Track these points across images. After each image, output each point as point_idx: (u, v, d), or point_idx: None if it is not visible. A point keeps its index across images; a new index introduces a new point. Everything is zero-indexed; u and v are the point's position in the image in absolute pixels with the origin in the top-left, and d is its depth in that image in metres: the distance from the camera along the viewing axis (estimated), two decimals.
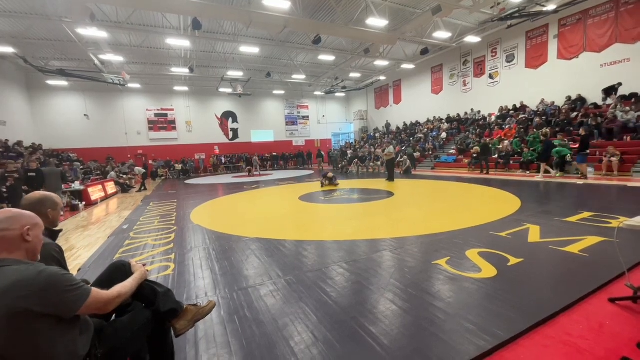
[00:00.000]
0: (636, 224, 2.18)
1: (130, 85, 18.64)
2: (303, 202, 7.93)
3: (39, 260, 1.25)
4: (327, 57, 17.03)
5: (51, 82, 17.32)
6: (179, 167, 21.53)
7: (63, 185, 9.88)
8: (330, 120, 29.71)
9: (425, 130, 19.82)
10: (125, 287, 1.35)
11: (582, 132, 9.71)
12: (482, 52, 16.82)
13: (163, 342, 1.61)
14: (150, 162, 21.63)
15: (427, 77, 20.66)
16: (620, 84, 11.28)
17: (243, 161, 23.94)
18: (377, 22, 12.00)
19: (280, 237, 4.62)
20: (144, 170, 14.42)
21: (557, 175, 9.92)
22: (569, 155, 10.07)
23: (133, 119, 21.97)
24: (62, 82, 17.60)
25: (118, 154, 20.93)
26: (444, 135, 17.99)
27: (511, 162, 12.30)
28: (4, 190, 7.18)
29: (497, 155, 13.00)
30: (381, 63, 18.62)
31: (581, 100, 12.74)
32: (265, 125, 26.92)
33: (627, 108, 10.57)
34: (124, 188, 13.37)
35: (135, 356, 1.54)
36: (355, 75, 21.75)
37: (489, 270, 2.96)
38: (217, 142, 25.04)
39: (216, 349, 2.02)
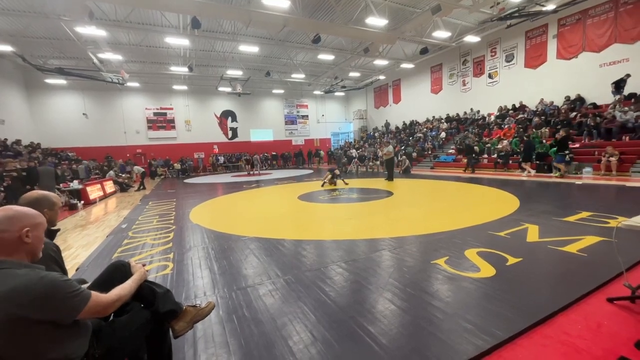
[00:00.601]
0: (635, 223, 2.18)
1: (129, 84, 18.59)
2: (302, 201, 7.93)
3: (40, 258, 1.24)
4: (326, 57, 17.01)
5: (50, 80, 17.26)
6: (177, 166, 21.49)
7: (62, 185, 9.89)
8: (330, 120, 29.70)
9: (425, 129, 19.82)
10: (124, 289, 1.34)
11: (561, 133, 10.32)
12: (481, 51, 16.82)
13: (161, 342, 1.61)
14: (150, 161, 21.59)
15: (426, 76, 20.67)
16: (628, 75, 11.00)
17: (243, 160, 23.90)
18: (376, 21, 11.98)
19: (279, 236, 4.62)
20: (143, 170, 14.36)
21: (556, 175, 9.94)
22: (567, 155, 10.09)
23: (132, 118, 21.92)
24: (61, 81, 17.56)
25: (117, 153, 20.88)
26: (443, 134, 18.00)
27: (510, 161, 12.31)
28: (2, 189, 7.17)
29: (496, 155, 13.01)
30: (380, 62, 18.60)
31: (580, 100, 12.76)
32: (264, 125, 26.89)
33: (626, 108, 10.59)
34: (122, 187, 13.34)
35: (132, 356, 1.54)
36: (354, 74, 21.74)
37: (487, 270, 2.96)
38: (216, 141, 25.01)
39: (214, 348, 2.02)
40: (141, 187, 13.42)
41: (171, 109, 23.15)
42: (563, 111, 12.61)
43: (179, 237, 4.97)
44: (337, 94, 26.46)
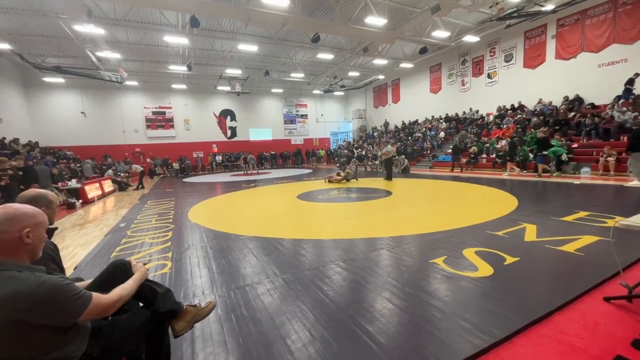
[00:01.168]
0: (632, 223, 2.19)
1: (127, 82, 18.51)
2: (301, 200, 7.93)
3: (40, 257, 1.23)
4: (325, 56, 17.00)
5: (48, 79, 17.19)
6: (176, 165, 21.43)
7: (60, 183, 9.85)
8: (329, 119, 29.69)
9: (424, 129, 19.84)
10: (125, 289, 1.34)
11: (540, 134, 10.79)
12: (480, 51, 16.84)
13: (160, 342, 1.61)
14: (148, 160, 21.54)
15: (425, 76, 20.68)
16: (637, 75, 10.86)
17: (242, 159, 23.88)
18: (376, 20, 11.98)
19: (278, 235, 4.62)
20: (142, 168, 14.33)
21: (555, 175, 9.97)
22: (564, 155, 10.12)
23: (130, 117, 21.86)
24: (59, 79, 17.49)
25: (115, 151, 20.80)
26: (442, 134, 18.02)
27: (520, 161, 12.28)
28: None
29: (494, 155, 13.04)
30: (380, 62, 18.60)
31: (578, 100, 12.79)
32: (263, 124, 26.86)
33: (624, 108, 10.62)
34: (121, 186, 13.31)
35: (131, 355, 1.54)
36: (354, 74, 21.73)
37: (485, 269, 2.97)
38: (215, 140, 24.97)
39: (213, 347, 2.02)
40: (140, 186, 13.39)
41: (170, 108, 23.09)
42: (562, 111, 12.64)
43: (177, 236, 4.96)
44: (336, 93, 26.46)
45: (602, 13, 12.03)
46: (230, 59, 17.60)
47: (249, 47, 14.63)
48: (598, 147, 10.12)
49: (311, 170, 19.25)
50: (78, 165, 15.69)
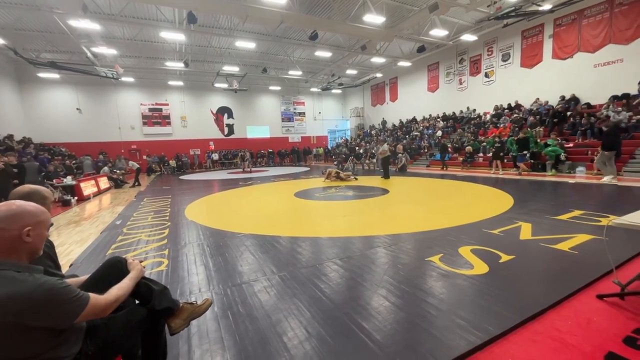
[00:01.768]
0: (624, 221, 2.22)
1: (123, 78, 18.35)
2: (299, 198, 7.93)
3: (39, 255, 1.22)
4: (323, 53, 16.95)
5: (42, 74, 16.99)
6: (173, 163, 21.30)
7: (55, 180, 9.77)
8: (327, 117, 29.67)
9: (421, 128, 19.88)
10: (122, 288, 1.33)
11: (521, 135, 11.18)
12: (478, 50, 16.88)
13: (157, 339, 1.60)
14: (145, 157, 21.39)
15: (423, 74, 20.70)
16: None
17: (239, 157, 23.78)
18: (374, 18, 11.96)
19: (275, 233, 4.62)
20: (138, 166, 14.23)
21: (551, 174, 10.05)
22: (562, 154, 10.21)
23: (127, 114, 21.69)
24: (54, 75, 17.29)
25: (111, 148, 20.67)
26: (439, 133, 18.07)
27: (505, 160, 12.37)
28: None
29: (491, 154, 13.09)
30: (378, 60, 18.59)
31: (574, 100, 12.87)
32: (261, 121, 26.78)
33: (619, 108, 10.71)
34: (117, 183, 13.22)
35: (127, 353, 1.54)
36: (351, 72, 21.70)
37: (480, 267, 3.00)
38: (212, 137, 24.86)
39: (209, 344, 2.02)
40: (136, 184, 13.31)
41: (167, 104, 22.94)
42: (559, 108, 12.69)
43: (174, 233, 4.94)
44: (334, 91, 26.43)
45: (598, 13, 12.09)
46: (227, 55, 17.50)
47: (246, 44, 14.56)
48: (593, 147, 10.19)
49: (308, 169, 19.24)
50: (74, 162, 15.57)
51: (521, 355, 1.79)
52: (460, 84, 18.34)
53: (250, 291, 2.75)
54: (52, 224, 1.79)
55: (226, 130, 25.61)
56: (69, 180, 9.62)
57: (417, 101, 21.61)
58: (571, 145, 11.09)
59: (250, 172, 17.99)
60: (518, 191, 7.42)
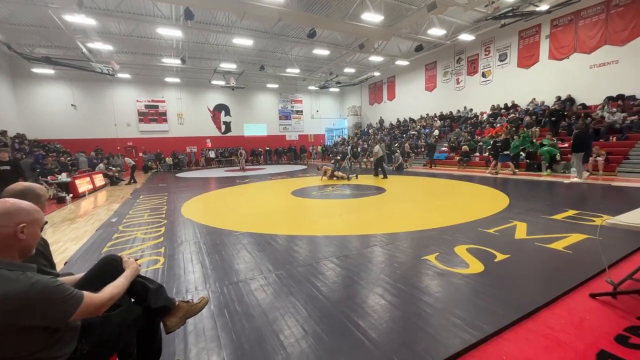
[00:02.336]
0: (617, 222, 2.25)
1: (119, 75, 18.18)
2: (296, 197, 7.93)
3: (32, 254, 1.21)
4: (321, 52, 16.92)
5: (37, 70, 16.77)
6: (169, 160, 21.14)
7: (49, 177, 9.67)
8: (324, 116, 29.64)
9: (418, 127, 19.93)
10: (117, 287, 1.32)
11: (503, 136, 11.35)
12: (475, 50, 16.93)
13: (152, 338, 1.60)
14: (141, 154, 21.24)
15: (420, 74, 20.73)
16: None
17: (238, 155, 23.64)
18: (372, 17, 11.94)
19: (272, 231, 4.62)
20: (134, 162, 14.12)
21: (546, 173, 10.13)
22: (557, 154, 10.29)
23: (122, 110, 21.50)
24: (49, 71, 17.08)
25: (107, 145, 20.51)
26: (436, 132, 18.13)
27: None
28: None
29: (487, 153, 13.17)
30: (376, 59, 18.58)
31: (570, 100, 12.97)
32: (258, 119, 26.69)
33: (614, 109, 10.82)
34: (112, 180, 13.12)
35: (122, 351, 1.53)
36: (349, 70, 21.68)
37: (476, 266, 3.02)
38: (209, 135, 24.74)
39: (205, 342, 2.02)
40: (132, 181, 13.21)
41: (163, 101, 22.78)
42: (557, 109, 12.77)
43: (170, 231, 4.92)
44: (331, 89, 26.39)
45: (595, 14, 12.17)
46: (225, 52, 17.39)
47: (244, 41, 14.46)
48: None
49: (305, 167, 19.22)
50: (69, 158, 15.41)
51: (515, 353, 1.81)
52: (458, 83, 18.40)
53: (246, 289, 2.75)
54: (46, 222, 1.77)
55: (223, 127, 25.50)
56: (63, 177, 9.53)
57: (414, 100, 21.64)
58: (566, 145, 11.17)
59: (244, 170, 17.81)
60: (514, 191, 7.47)
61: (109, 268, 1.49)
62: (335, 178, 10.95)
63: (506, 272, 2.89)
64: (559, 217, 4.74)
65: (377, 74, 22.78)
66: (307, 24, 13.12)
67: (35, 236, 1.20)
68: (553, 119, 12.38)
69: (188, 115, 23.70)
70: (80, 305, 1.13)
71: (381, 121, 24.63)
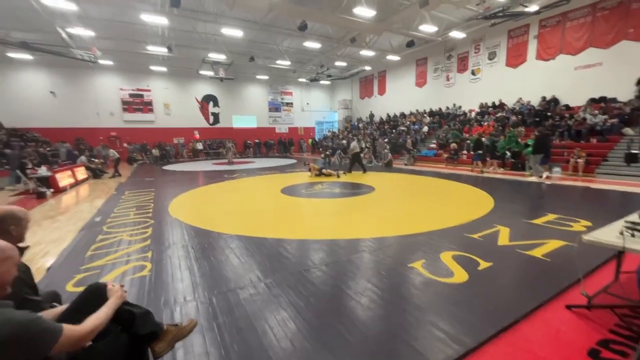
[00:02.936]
0: (594, 239, 2.35)
1: (102, 61, 17.41)
2: (285, 195, 7.91)
3: (8, 292, 1.18)
4: (313, 44, 16.65)
5: (13, 54, 15.88)
6: (156, 152, 20.59)
7: (29, 170, 9.30)
8: (314, 108, 29.41)
9: (408, 123, 20.05)
10: (99, 317, 1.31)
11: (475, 136, 12.10)
12: (465, 47, 17.04)
13: None
14: (125, 145, 20.62)
15: (411, 69, 20.76)
16: None
17: (223, 147, 23.27)
18: (364, 11, 11.79)
19: (261, 234, 4.61)
20: (118, 155, 13.71)
21: (529, 174, 10.43)
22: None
23: (105, 99, 20.73)
24: (26, 56, 16.20)
25: (89, 135, 19.80)
26: (425, 129, 18.31)
27: (487, 159, 12.70)
28: None
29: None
30: (367, 53, 18.42)
31: (554, 101, 13.30)
32: (247, 111, 26.26)
33: (596, 111, 11.16)
34: (95, 173, 12.73)
35: None
36: (340, 64, 21.45)
37: (460, 275, 3.12)
38: (197, 126, 24.21)
39: (194, 359, 2.02)
40: (116, 174, 12.85)
41: (149, 90, 22.06)
42: (540, 110, 13.10)
43: (157, 233, 4.85)
44: (322, 82, 26.12)
45: (582, 16, 12.40)
46: (213, 42, 16.87)
47: (233, 32, 14.06)
48: (569, 148, 10.63)
49: (295, 161, 19.13)
50: (48, 149, 14.83)
51: None
52: (448, 80, 18.54)
53: (235, 300, 2.75)
54: (28, 247, 1.72)
55: (211, 119, 24.99)
56: (44, 171, 9.18)
57: (404, 96, 21.72)
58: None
59: (232, 163, 17.54)
60: (498, 191, 7.66)
61: (94, 297, 1.46)
62: (323, 175, 10.95)
63: (488, 281, 2.99)
64: (539, 221, 4.92)
65: (368, 68, 22.64)
66: (299, 17, 12.86)
67: (9, 275, 1.18)
68: (537, 119, 12.71)
69: (175, 106, 23.08)
70: (59, 338, 1.12)
71: (371, 115, 24.64)
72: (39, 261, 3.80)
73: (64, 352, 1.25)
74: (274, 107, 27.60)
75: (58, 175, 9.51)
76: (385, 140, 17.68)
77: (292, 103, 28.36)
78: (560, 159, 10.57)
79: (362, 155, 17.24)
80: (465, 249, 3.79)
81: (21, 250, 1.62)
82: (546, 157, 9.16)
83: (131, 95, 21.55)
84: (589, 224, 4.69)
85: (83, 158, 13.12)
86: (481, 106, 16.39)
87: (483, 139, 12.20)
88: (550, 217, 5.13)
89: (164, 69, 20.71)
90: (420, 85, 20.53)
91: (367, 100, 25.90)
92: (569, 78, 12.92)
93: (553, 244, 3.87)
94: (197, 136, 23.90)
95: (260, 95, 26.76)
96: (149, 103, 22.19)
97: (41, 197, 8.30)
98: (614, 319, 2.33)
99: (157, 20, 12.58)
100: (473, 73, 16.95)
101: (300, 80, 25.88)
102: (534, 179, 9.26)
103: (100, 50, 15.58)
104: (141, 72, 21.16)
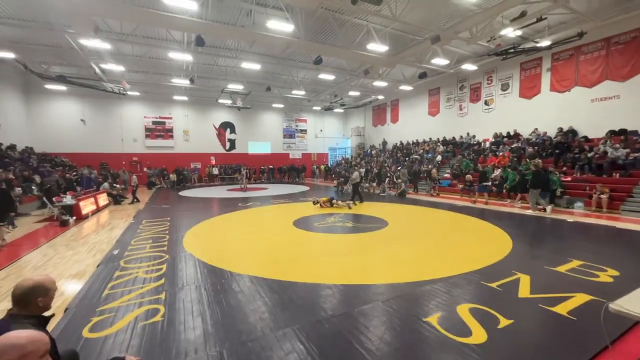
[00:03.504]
0: (621, 309, 2.22)
1: (129, 92, 18.63)
2: (297, 228, 7.92)
3: None
4: (327, 76, 17.29)
5: (49, 86, 17.24)
6: (173, 177, 21.25)
7: (54, 198, 9.75)
8: (328, 135, 29.97)
9: (421, 151, 20.03)
10: None
11: (480, 167, 11.89)
12: (478, 78, 17.25)
13: None
14: (145, 169, 21.44)
15: (424, 98, 21.06)
16: None
17: (238, 173, 23.79)
18: (377, 47, 12.27)
19: (273, 275, 4.60)
20: (137, 182, 14.21)
21: (548, 209, 10.07)
22: (558, 190, 10.28)
23: (130, 126, 21.93)
24: (61, 87, 17.54)
25: (112, 159, 20.79)
26: (439, 157, 18.21)
27: (503, 190, 12.43)
28: None
29: (490, 182, 13.14)
30: (380, 84, 18.94)
31: (572, 132, 13.06)
32: (262, 137, 27.03)
33: (617, 145, 10.85)
34: (116, 199, 13.20)
35: None
36: (354, 93, 22.08)
37: (479, 333, 2.98)
38: (213, 152, 25.02)
39: None
40: (134, 200, 13.28)
41: (170, 118, 23.21)
42: (561, 142, 12.81)
43: (171, 270, 4.92)
44: (336, 110, 26.80)
45: (595, 50, 12.44)
46: (232, 74, 17.83)
47: (252, 66, 14.86)
48: (591, 183, 10.27)
49: (307, 188, 19.27)
50: (74, 174, 15.58)
51: None
52: (461, 109, 18.64)
53: (245, 353, 2.72)
54: (53, 315, 1.78)
55: (228, 145, 25.82)
56: (68, 199, 9.60)
57: (417, 124, 21.90)
58: (569, 179, 11.17)
59: (246, 190, 17.84)
60: (517, 229, 7.42)
61: None
62: (335, 206, 10.93)
63: (508, 343, 2.84)
64: (562, 268, 4.69)
65: (381, 97, 23.16)
66: (314, 52, 13.49)
67: None
68: (557, 151, 12.43)
69: (194, 132, 24.08)
70: None
71: (384, 143, 24.84)
72: (58, 300, 3.90)
73: None
74: (289, 134, 28.31)
75: (81, 203, 9.91)
76: (399, 168, 17.63)
77: (306, 130, 29.05)
78: (582, 193, 10.22)
79: (365, 183, 17.29)
80: (484, 302, 3.64)
81: (46, 320, 1.70)
82: (544, 191, 9.64)
83: (154, 123, 22.71)
84: (616, 273, 4.45)
85: (106, 185, 13.68)
86: (495, 136, 16.27)
87: (498, 171, 12.02)
88: (575, 263, 4.89)
89: (185, 98, 21.88)
90: (433, 115, 20.70)
91: (380, 128, 26.22)
92: (586, 110, 12.77)
93: (579, 299, 3.67)
94: (213, 162, 24.60)
95: (276, 122, 27.61)
96: (170, 130, 23.26)
97: (64, 225, 8.63)
98: None
99: (182, 57, 13.49)
100: (486, 103, 17.01)
101: (314, 108, 26.66)
102: (530, 212, 9.52)
103: (129, 82, 16.72)
104: (164, 101, 22.41)
